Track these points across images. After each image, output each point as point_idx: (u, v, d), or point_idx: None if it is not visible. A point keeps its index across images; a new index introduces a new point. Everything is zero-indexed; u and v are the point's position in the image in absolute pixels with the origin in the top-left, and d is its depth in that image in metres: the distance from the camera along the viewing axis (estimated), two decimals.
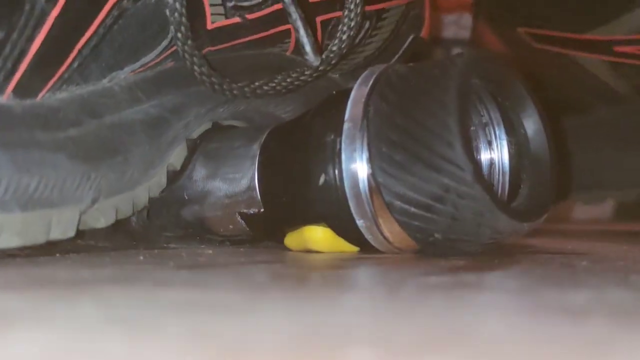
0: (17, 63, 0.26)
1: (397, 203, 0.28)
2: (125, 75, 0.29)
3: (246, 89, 0.31)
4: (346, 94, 0.30)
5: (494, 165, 0.31)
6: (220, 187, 0.33)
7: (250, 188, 0.32)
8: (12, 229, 0.25)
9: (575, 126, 0.49)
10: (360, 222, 0.29)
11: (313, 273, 0.26)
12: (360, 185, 0.29)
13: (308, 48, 0.32)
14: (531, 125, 0.31)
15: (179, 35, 0.28)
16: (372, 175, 0.28)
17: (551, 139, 0.30)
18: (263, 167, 0.32)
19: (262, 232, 0.33)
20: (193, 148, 0.33)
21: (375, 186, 0.28)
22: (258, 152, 0.32)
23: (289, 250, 0.32)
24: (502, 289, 0.22)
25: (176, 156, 0.32)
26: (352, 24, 0.32)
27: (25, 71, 0.26)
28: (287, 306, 0.19)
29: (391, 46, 0.38)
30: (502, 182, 0.31)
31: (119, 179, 0.29)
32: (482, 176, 0.27)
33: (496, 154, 0.31)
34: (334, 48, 0.32)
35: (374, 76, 0.30)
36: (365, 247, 0.31)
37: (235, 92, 0.31)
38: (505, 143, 0.31)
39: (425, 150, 0.27)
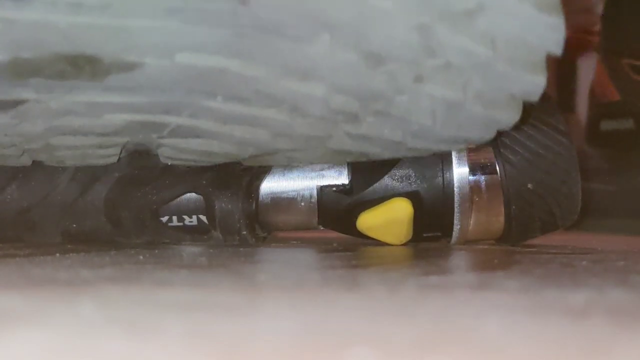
0: None
1: (505, 153, 0.33)
2: None
3: None
4: None
5: None
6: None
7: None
8: None
9: None
10: (457, 199, 0.32)
11: (313, 273, 0.26)
12: (465, 163, 0.33)
13: None
14: None
15: None
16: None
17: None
18: None
19: (330, 216, 0.33)
20: None
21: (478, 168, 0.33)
22: None
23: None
24: (502, 289, 0.22)
25: None
26: None
27: None
28: (287, 306, 0.19)
29: None
30: None
31: None
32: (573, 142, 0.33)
33: None
34: None
35: None
36: (431, 231, 0.33)
37: None
38: None
39: (532, 118, 0.33)
